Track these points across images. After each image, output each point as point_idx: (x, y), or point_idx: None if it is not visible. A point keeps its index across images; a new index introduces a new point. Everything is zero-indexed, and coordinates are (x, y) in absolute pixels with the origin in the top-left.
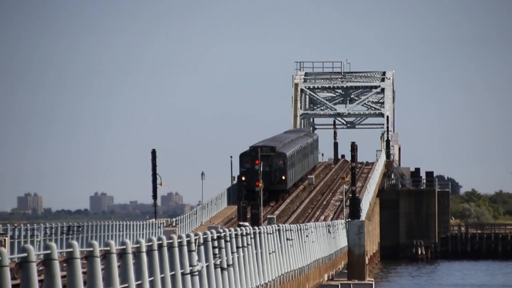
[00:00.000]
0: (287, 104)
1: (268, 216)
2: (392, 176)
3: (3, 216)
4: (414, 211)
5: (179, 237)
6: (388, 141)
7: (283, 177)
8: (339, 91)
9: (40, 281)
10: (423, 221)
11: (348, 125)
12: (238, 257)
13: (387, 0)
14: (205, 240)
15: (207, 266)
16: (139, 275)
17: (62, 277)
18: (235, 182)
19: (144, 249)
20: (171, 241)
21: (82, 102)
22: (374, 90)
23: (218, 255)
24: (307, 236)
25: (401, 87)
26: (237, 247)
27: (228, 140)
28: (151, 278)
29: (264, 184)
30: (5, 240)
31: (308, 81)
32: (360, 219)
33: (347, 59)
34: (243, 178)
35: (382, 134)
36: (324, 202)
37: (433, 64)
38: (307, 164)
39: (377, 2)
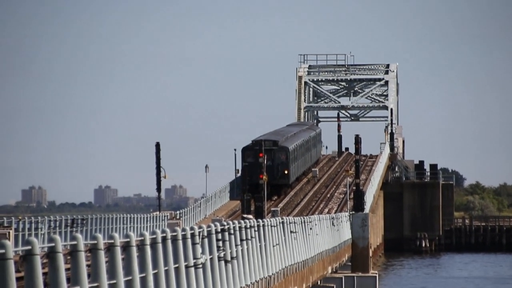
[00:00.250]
0: (291, 97)
1: (272, 208)
2: (396, 169)
3: (8, 209)
4: (418, 204)
5: (183, 230)
6: (392, 134)
7: (286, 172)
8: (343, 83)
9: (44, 273)
10: (427, 213)
11: (352, 118)
12: (242, 250)
13: None
14: (209, 233)
15: (211, 259)
16: (143, 268)
17: (66, 269)
18: (239, 175)
19: (148, 242)
20: (175, 234)
21: (87, 96)
22: (378, 83)
23: (222, 248)
24: (311, 228)
25: (405, 79)
26: (241, 240)
27: (232, 133)
28: (155, 271)
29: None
30: (9, 233)
31: (312, 73)
32: (364, 212)
33: (351, 51)
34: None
35: (386, 127)
36: (328, 195)
37: (437, 57)
38: (310, 158)
39: None
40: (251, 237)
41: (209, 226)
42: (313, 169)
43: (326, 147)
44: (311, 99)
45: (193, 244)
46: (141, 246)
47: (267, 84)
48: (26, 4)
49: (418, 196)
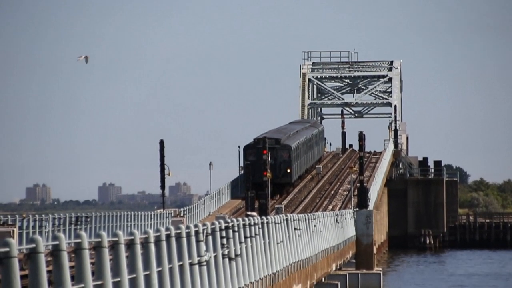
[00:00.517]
0: (295, 94)
1: (276, 206)
2: (400, 166)
3: (12, 207)
4: (422, 201)
5: (187, 227)
6: (396, 131)
7: (288, 170)
8: (346, 80)
9: (48, 271)
10: (431, 210)
11: (356, 115)
12: (246, 247)
13: None
14: (213, 230)
15: (215, 256)
16: (147, 265)
17: (71, 267)
18: (242, 172)
19: (152, 239)
20: (179, 231)
21: (92, 94)
22: (381, 80)
23: (226, 245)
24: (315, 225)
25: (409, 76)
26: (245, 237)
27: (236, 130)
28: (159, 269)
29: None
30: (13, 231)
31: (315, 70)
32: (368, 209)
33: (355, 48)
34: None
35: (390, 124)
36: (332, 192)
37: (441, 54)
38: (313, 156)
39: None
40: (255, 234)
41: (213, 224)
42: (317, 166)
43: (330, 144)
44: (315, 96)
45: (197, 241)
46: (145, 243)
47: (271, 81)
48: (26, 4)
49: (422, 192)
